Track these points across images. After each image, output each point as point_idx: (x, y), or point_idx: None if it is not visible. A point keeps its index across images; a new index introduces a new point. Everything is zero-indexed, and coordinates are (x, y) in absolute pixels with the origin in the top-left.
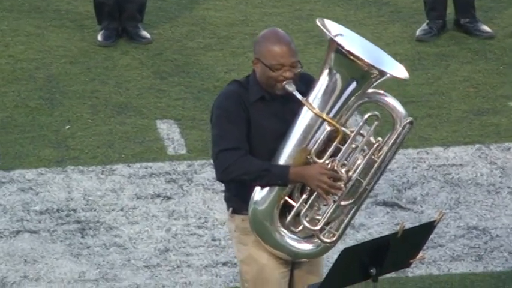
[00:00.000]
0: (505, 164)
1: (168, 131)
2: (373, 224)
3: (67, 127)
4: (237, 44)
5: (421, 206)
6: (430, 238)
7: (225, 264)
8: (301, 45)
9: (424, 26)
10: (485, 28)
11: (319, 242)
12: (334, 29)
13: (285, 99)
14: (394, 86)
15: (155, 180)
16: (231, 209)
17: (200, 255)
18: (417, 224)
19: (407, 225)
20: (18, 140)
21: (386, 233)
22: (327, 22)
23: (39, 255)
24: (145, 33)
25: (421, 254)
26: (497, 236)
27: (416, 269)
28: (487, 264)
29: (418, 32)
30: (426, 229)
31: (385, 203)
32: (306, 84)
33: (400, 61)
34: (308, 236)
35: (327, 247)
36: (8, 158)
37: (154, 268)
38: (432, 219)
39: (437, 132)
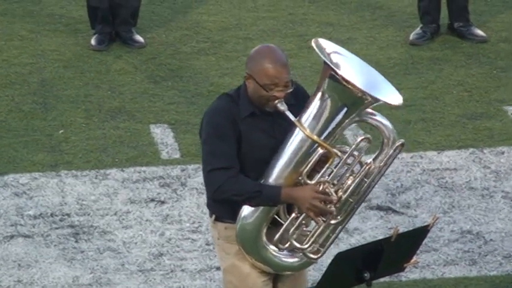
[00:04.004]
0: (498, 168)
1: (162, 135)
2: (367, 228)
3: (61, 131)
4: (230, 48)
5: (415, 210)
6: (423, 242)
7: (218, 268)
8: (294, 49)
9: (418, 30)
10: (479, 32)
11: (303, 256)
12: (330, 49)
13: (274, 115)
14: None
15: (149, 185)
16: (213, 216)
17: (194, 260)
18: (411, 228)
19: (401, 230)
20: (12, 145)
21: (380, 237)
22: (323, 42)
23: (33, 260)
24: (138, 38)
25: (414, 258)
26: (491, 240)
27: (410, 274)
28: (480, 269)
29: (411, 36)
30: (420, 233)
31: (379, 207)
32: (295, 95)
33: (394, 65)
34: (292, 250)
35: (310, 262)
36: (1, 163)
37: (148, 272)
38: (426, 224)
39: (431, 137)
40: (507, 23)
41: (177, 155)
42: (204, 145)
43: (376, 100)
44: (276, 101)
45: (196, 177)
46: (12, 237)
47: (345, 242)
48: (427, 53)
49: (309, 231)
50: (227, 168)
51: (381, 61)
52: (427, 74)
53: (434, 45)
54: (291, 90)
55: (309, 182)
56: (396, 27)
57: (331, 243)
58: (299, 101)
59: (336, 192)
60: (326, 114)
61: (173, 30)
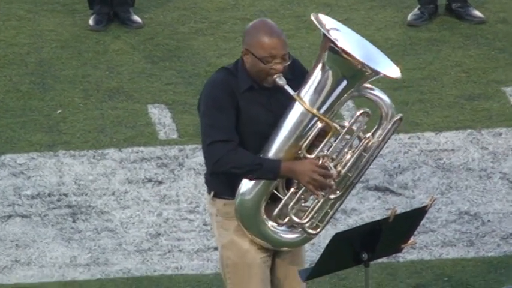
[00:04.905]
0: (496, 149)
1: (160, 115)
2: (364, 209)
3: (58, 112)
4: (228, 28)
5: (413, 191)
6: (421, 223)
7: (216, 248)
8: (292, 30)
9: (416, 10)
10: (477, 13)
11: (302, 232)
12: (329, 24)
13: (272, 90)
14: None
15: (146, 165)
16: (212, 192)
17: (191, 240)
18: (409, 209)
19: (399, 210)
20: (10, 125)
21: (378, 218)
22: (322, 17)
23: (31, 240)
24: (136, 18)
25: (412, 239)
26: (488, 221)
27: (408, 254)
28: (478, 250)
29: (409, 17)
30: (417, 214)
31: (376, 188)
32: (292, 69)
33: (392, 46)
34: (291, 226)
35: (309, 237)
36: None
37: (145, 253)
38: (423, 204)
39: (428, 117)
40: (505, 3)
41: (175, 136)
42: (203, 117)
43: (376, 72)
44: (275, 76)
45: (194, 158)
46: (9, 217)
47: (343, 223)
48: (425, 34)
49: (307, 206)
50: (227, 141)
51: (379, 42)
52: (425, 55)
53: (432, 26)
54: (288, 63)
55: (308, 156)
56: (394, 8)
57: (329, 219)
58: (296, 76)
59: (335, 166)
60: (325, 88)
61: (171, 11)
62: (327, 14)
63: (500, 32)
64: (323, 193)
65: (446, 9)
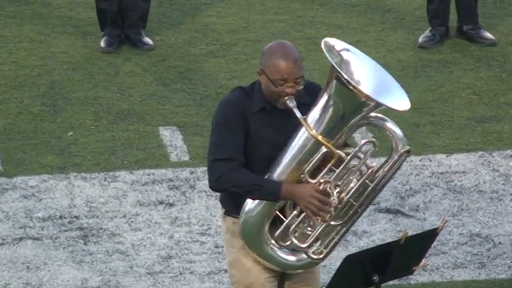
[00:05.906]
0: (507, 171)
1: (171, 137)
2: (375, 231)
3: (70, 134)
4: (239, 50)
5: (424, 213)
6: (432, 245)
7: (227, 271)
8: (303, 52)
9: (427, 32)
10: (488, 35)
11: (306, 256)
12: (341, 49)
13: (286, 112)
14: None
15: (158, 187)
16: (223, 210)
17: (203, 262)
18: (420, 231)
19: (410, 233)
20: (21, 147)
21: (389, 240)
22: (334, 42)
23: (42, 262)
24: (147, 40)
25: (423, 261)
26: (500, 243)
27: (419, 277)
28: (489, 272)
29: (420, 39)
30: (429, 236)
31: (388, 210)
32: (312, 94)
33: (403, 68)
34: (294, 249)
35: (314, 262)
36: (10, 165)
37: (157, 275)
38: (435, 227)
39: (439, 140)
40: None
41: (186, 158)
42: (211, 134)
43: (381, 105)
44: (286, 98)
45: (205, 180)
46: (21, 239)
47: (354, 245)
48: (436, 56)
49: (311, 231)
50: (230, 160)
51: (390, 64)
52: (436, 77)
53: (444, 48)
54: (301, 87)
55: (310, 180)
56: (405, 30)
57: (334, 245)
58: (314, 99)
59: (340, 193)
60: (331, 114)
61: (182, 33)
62: (338, 36)
63: (511, 54)
64: (322, 218)
65: (457, 31)
